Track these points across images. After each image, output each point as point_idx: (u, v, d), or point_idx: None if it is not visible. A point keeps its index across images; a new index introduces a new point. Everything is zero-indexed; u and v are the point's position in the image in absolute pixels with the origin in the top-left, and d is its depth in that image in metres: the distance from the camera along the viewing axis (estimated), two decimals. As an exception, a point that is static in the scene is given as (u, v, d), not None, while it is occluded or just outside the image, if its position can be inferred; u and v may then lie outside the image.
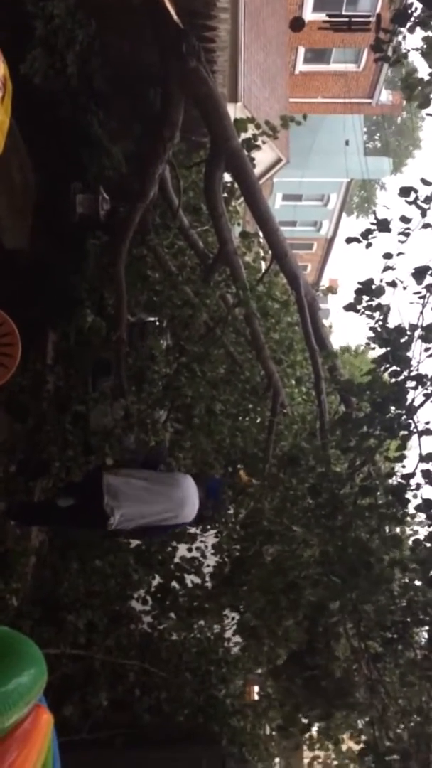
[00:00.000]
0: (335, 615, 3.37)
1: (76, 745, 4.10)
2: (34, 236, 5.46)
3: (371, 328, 3.57)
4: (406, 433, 3.37)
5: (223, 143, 4.80)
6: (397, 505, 3.37)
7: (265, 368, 4.94)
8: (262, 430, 4.91)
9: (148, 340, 5.19)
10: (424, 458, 3.24)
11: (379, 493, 3.49)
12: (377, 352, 3.65)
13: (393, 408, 3.38)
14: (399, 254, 3.54)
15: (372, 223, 3.64)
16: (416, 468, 3.27)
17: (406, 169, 35.39)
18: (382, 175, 29.00)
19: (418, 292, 3.43)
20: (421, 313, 3.40)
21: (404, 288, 3.51)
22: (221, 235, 4.89)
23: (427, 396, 3.36)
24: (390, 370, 3.47)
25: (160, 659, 4.87)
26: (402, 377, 3.42)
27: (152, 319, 5.51)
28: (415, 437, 3.35)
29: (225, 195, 5.37)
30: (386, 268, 3.56)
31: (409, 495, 3.37)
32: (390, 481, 3.53)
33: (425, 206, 3.50)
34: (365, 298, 3.60)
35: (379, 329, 3.53)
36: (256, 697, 5.49)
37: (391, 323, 3.53)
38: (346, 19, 15.01)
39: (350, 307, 3.65)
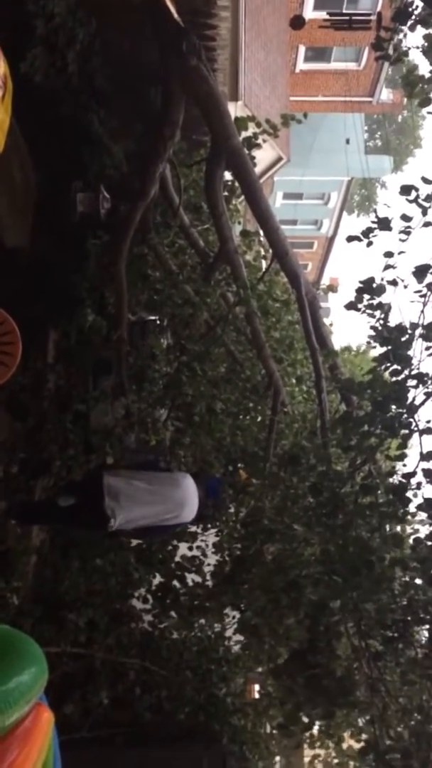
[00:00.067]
0: (336, 614, 3.37)
1: (77, 744, 4.10)
2: (34, 235, 5.46)
3: (372, 327, 3.56)
4: (406, 431, 3.37)
5: (223, 142, 4.79)
6: (398, 504, 3.36)
7: (265, 367, 4.94)
8: (263, 429, 4.91)
9: (148, 338, 5.20)
10: (424, 457, 3.24)
11: (379, 491, 3.49)
12: (378, 350, 3.64)
13: (394, 407, 3.37)
14: (400, 253, 3.53)
15: (373, 222, 3.63)
16: (417, 467, 3.27)
17: (407, 168, 35.38)
18: (382, 173, 28.95)
19: (419, 291, 3.42)
20: (422, 311, 3.40)
21: (405, 287, 3.51)
22: (222, 233, 4.89)
23: (427, 395, 3.35)
24: (391, 368, 3.46)
25: (161, 658, 4.88)
26: (403, 376, 3.41)
27: (153, 317, 5.52)
28: (415, 436, 3.35)
29: (225, 193, 5.37)
30: (387, 267, 3.56)
31: (409, 494, 3.37)
32: (391, 480, 3.53)
33: (426, 205, 3.50)
34: (366, 296, 3.60)
35: (380, 328, 3.53)
36: (257, 696, 5.50)
37: (392, 322, 3.53)
38: (347, 18, 14.99)
39: (351, 306, 3.65)
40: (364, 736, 3.78)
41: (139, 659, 4.78)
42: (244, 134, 5.25)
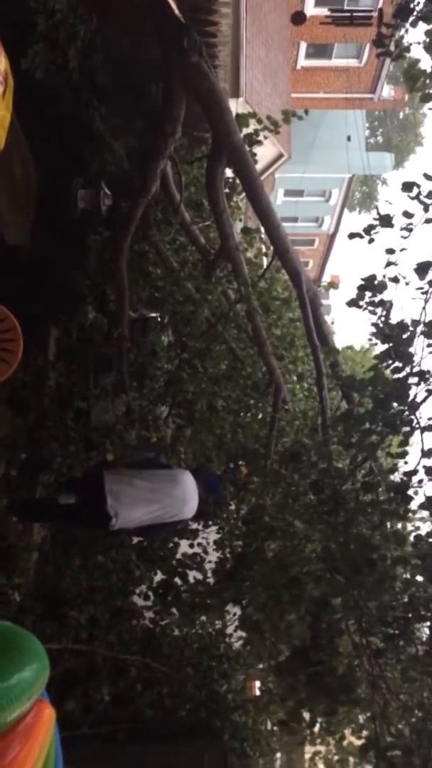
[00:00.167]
0: (338, 612, 3.37)
1: (79, 740, 4.11)
2: (35, 232, 5.46)
3: (374, 324, 3.56)
4: (408, 429, 3.36)
5: (224, 139, 4.78)
6: (399, 502, 3.36)
7: (266, 364, 4.94)
8: (264, 426, 4.91)
9: (149, 336, 5.19)
10: (426, 454, 3.24)
11: (381, 489, 3.49)
12: (380, 348, 3.64)
13: (395, 404, 3.37)
14: (401, 250, 3.53)
15: (374, 219, 3.62)
16: (418, 464, 3.27)
17: (408, 165, 35.29)
18: (384, 170, 28.89)
19: (421, 288, 3.42)
20: (424, 308, 3.39)
21: (407, 284, 3.50)
22: (223, 230, 4.88)
23: (429, 392, 3.35)
24: (392, 366, 3.46)
25: (162, 654, 4.88)
26: (404, 373, 3.41)
27: (154, 315, 5.51)
28: (417, 433, 3.35)
29: (227, 190, 5.36)
30: (389, 264, 3.55)
31: (411, 491, 3.36)
32: (392, 477, 3.53)
33: (428, 201, 3.49)
34: (368, 293, 3.59)
35: (381, 325, 3.52)
36: (258, 693, 5.51)
37: (394, 319, 3.52)
38: (348, 14, 14.98)
39: (353, 303, 3.64)
40: (365, 733, 3.78)
41: (141, 656, 4.79)
42: (245, 131, 5.24)
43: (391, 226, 3.58)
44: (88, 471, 4.43)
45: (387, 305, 3.55)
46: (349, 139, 20.51)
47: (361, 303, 3.61)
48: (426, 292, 3.40)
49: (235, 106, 8.80)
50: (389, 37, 4.33)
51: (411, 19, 4.12)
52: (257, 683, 5.75)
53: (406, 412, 3.34)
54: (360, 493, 3.51)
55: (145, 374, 4.81)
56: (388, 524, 3.51)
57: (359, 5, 16.68)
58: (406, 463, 3.55)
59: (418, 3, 4.06)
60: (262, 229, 5.34)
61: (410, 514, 3.60)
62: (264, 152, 10.48)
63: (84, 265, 5.12)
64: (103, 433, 4.50)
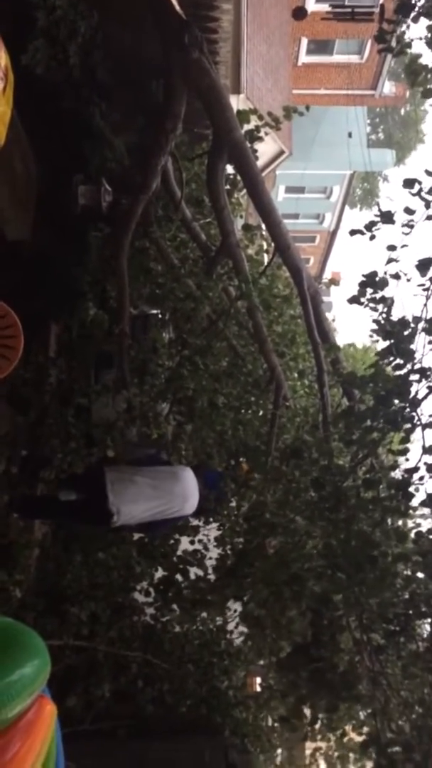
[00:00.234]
0: (339, 608, 3.37)
1: (79, 736, 4.12)
2: (36, 228, 5.45)
3: (375, 321, 3.55)
4: (409, 425, 3.36)
5: (225, 135, 4.77)
6: (400, 499, 3.36)
7: (267, 361, 4.93)
8: (265, 423, 4.91)
9: (150, 332, 5.19)
10: (427, 451, 3.23)
11: (382, 486, 3.49)
12: (381, 345, 3.63)
13: (396, 401, 3.36)
14: (403, 246, 3.52)
15: (376, 215, 3.62)
16: (420, 461, 3.26)
17: (410, 161, 35.26)
18: (385, 167, 28.86)
19: (422, 284, 3.41)
20: (425, 305, 3.38)
21: (408, 280, 3.49)
22: (224, 227, 4.88)
23: (430, 389, 3.34)
24: (393, 362, 3.46)
25: (163, 651, 4.89)
26: (405, 370, 3.40)
27: (155, 311, 5.51)
28: (418, 430, 3.34)
29: (227, 187, 5.35)
30: (390, 261, 3.54)
31: (412, 488, 3.36)
32: (393, 474, 3.53)
33: (429, 198, 3.48)
34: (369, 290, 3.58)
35: (382, 322, 3.52)
36: (258, 689, 5.52)
37: (395, 316, 3.51)
38: (350, 10, 14.95)
39: (354, 300, 3.63)
40: (365, 730, 3.78)
41: (142, 652, 4.80)
42: (246, 127, 5.23)
43: (392, 222, 3.57)
44: (89, 467, 4.43)
45: (388, 302, 3.54)
46: (350, 135, 20.50)
47: (362, 300, 3.61)
48: (427, 289, 3.39)
49: (236, 103, 8.79)
50: (391, 33, 4.31)
51: (412, 14, 4.10)
52: (258, 679, 5.76)
53: (407, 409, 3.34)
54: (361, 490, 3.51)
55: (146, 371, 4.80)
56: (389, 521, 3.51)
57: (360, 1, 16.65)
58: (407, 460, 3.55)
59: (420, -2, 4.05)
60: (263, 226, 5.33)
61: (411, 511, 3.60)
62: (265, 149, 10.47)
63: (84, 261, 5.11)
64: (103, 430, 4.50)
